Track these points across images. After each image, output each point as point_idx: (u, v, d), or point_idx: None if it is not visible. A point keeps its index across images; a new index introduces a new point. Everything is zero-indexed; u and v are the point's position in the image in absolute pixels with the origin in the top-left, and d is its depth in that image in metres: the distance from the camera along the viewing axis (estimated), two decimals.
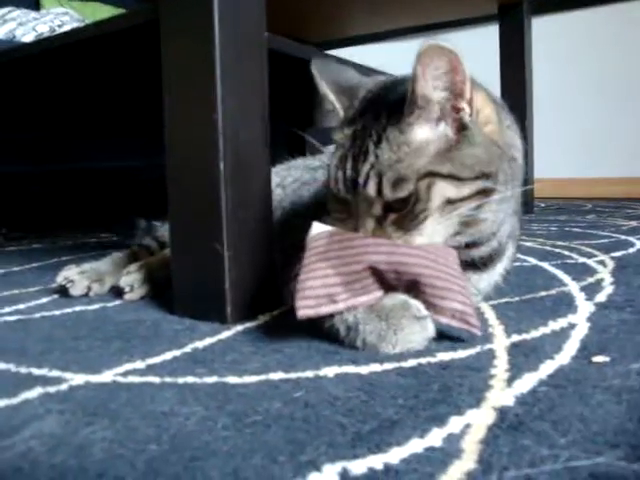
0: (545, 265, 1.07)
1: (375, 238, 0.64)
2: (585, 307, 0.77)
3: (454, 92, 0.64)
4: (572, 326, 0.69)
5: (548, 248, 1.28)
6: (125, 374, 0.58)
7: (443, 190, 0.63)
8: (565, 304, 0.79)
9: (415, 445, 0.42)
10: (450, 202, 0.64)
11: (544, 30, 2.78)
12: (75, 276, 0.92)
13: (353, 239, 0.64)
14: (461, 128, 0.65)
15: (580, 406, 0.47)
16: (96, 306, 0.86)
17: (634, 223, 1.67)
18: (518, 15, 2.02)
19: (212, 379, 0.56)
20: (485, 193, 0.66)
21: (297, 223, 0.92)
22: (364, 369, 0.57)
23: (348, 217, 0.67)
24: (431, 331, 0.63)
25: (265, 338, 0.68)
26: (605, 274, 0.97)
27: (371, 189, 0.63)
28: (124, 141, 2.18)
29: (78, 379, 0.56)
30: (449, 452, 0.41)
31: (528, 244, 1.35)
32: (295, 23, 2.13)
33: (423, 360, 0.59)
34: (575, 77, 2.93)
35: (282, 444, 0.42)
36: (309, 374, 0.56)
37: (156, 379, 0.56)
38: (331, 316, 0.64)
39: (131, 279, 0.90)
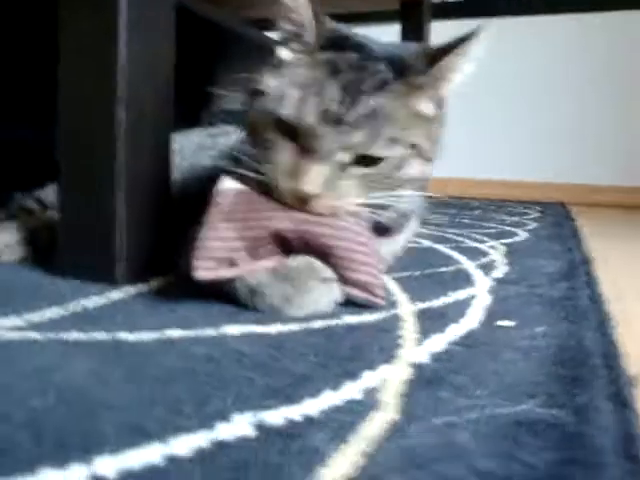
0: (440, 247, 1.09)
1: (285, 206, 0.60)
2: (484, 281, 0.78)
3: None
4: (473, 296, 0.69)
5: (440, 234, 1.31)
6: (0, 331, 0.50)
7: (417, 166, 0.63)
8: (464, 279, 0.80)
9: (331, 398, 0.39)
10: (412, 178, 0.64)
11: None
12: None
13: (261, 202, 0.60)
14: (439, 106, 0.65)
15: (493, 363, 0.47)
16: None
17: (516, 218, 1.75)
18: (418, 15, 2.06)
19: (102, 335, 0.50)
20: None
21: (194, 187, 0.86)
22: (270, 329, 0.53)
23: (298, 150, 0.60)
24: (337, 294, 0.61)
25: (159, 299, 0.63)
26: (497, 256, 1.00)
27: (359, 136, 0.58)
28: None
29: None
30: (368, 404, 0.38)
31: (421, 230, 1.38)
32: None
33: (331, 322, 0.57)
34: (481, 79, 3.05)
35: (186, 397, 0.38)
36: (210, 332, 0.52)
37: (37, 335, 0.49)
38: (231, 279, 0.60)
39: (8, 239, 0.80)
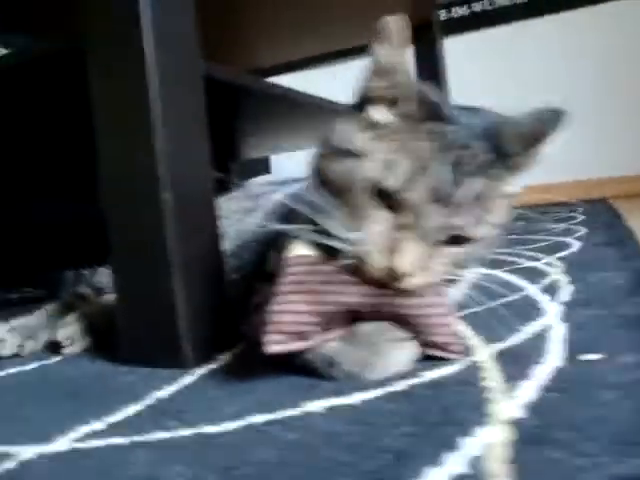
0: (497, 272, 1.06)
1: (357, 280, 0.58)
2: (552, 308, 0.76)
3: None
4: (548, 328, 0.67)
5: (493, 256, 1.28)
6: (84, 438, 0.50)
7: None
8: (532, 308, 0.77)
9: (437, 476, 0.37)
10: None
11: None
12: (4, 334, 0.82)
13: (333, 274, 0.58)
14: None
15: (593, 409, 0.45)
16: (34, 365, 0.76)
17: (563, 225, 1.71)
18: (430, 36, 2.06)
19: (187, 432, 0.49)
20: None
21: (246, 254, 0.86)
22: (351, 399, 0.52)
23: (395, 223, 0.57)
24: (415, 352, 0.59)
25: (233, 379, 0.62)
26: (558, 275, 0.97)
27: (462, 219, 0.56)
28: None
29: (28, 452, 0.48)
30: (478, 478, 0.36)
31: None
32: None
33: (411, 382, 0.55)
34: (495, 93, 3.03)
35: None
36: (294, 412, 0.51)
37: (122, 440, 0.49)
38: (302, 351, 0.59)
39: (70, 331, 0.81)
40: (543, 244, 1.37)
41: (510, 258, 1.21)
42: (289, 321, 0.56)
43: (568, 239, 1.39)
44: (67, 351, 0.81)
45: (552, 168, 2.87)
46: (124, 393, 0.61)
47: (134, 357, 0.71)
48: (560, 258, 1.13)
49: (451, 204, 0.56)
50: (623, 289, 0.81)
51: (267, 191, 1.00)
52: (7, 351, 0.81)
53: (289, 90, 1.39)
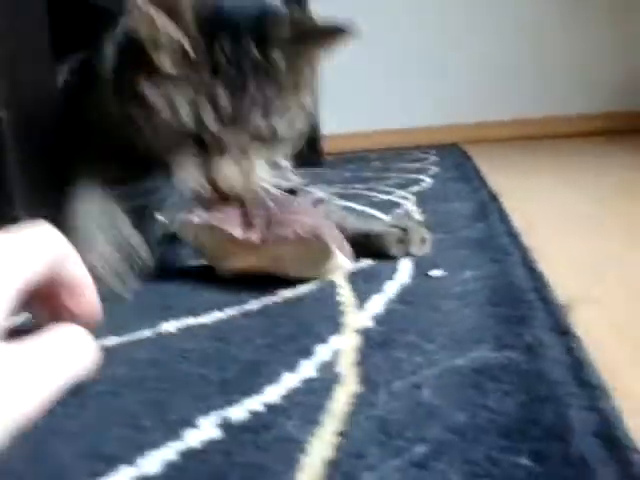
0: (353, 205, 1.09)
1: None
2: None
3: None
4: None
5: (350, 191, 1.32)
6: None
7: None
8: None
9: (289, 380, 0.38)
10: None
11: None
12: None
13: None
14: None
15: (435, 315, 0.48)
16: None
17: (417, 165, 1.79)
18: None
19: None
20: None
21: None
22: (206, 318, 0.52)
23: (205, 153, 0.61)
24: None
25: None
26: (411, 206, 1.02)
27: (257, 117, 0.60)
28: None
29: None
30: (328, 379, 0.38)
31: (330, 190, 1.37)
32: None
33: (266, 300, 0.56)
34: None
35: (141, 409, 0.36)
36: (148, 333, 0.49)
37: None
38: None
39: None
40: (397, 181, 1.42)
41: (366, 192, 1.25)
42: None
43: (421, 176, 1.46)
44: None
45: (406, 113, 2.95)
46: None
47: None
48: (413, 192, 1.18)
49: (236, 114, 0.59)
50: (467, 216, 0.87)
51: None
52: None
53: None
